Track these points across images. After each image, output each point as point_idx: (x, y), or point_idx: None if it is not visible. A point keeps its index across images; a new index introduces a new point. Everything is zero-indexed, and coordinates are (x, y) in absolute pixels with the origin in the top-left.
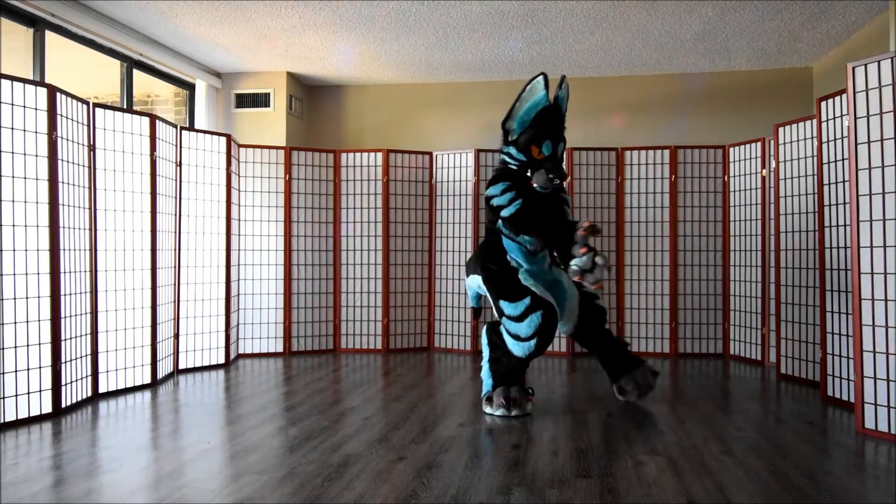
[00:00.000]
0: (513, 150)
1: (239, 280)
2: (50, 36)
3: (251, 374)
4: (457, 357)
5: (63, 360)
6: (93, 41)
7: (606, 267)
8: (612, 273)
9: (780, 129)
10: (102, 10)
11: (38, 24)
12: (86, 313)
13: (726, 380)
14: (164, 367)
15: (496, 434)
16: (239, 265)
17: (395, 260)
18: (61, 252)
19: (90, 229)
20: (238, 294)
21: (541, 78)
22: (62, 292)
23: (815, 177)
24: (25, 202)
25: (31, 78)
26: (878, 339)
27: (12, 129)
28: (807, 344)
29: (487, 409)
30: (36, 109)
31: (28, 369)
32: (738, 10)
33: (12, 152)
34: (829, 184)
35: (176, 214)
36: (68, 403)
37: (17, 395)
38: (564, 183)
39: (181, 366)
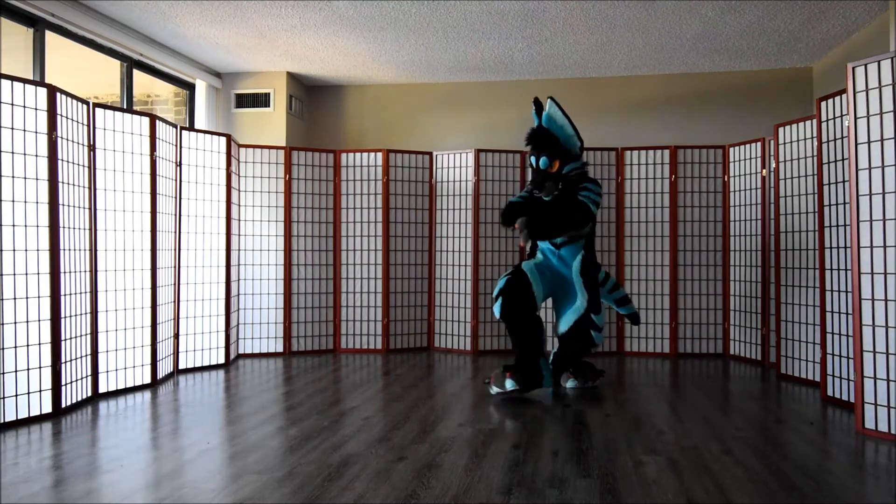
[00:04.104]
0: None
1: (239, 280)
2: (50, 36)
3: (251, 374)
4: (457, 357)
5: (63, 360)
6: (93, 41)
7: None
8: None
9: (780, 129)
10: (102, 10)
11: (38, 24)
12: (86, 313)
13: (726, 380)
14: (164, 367)
15: (496, 434)
16: (239, 265)
17: (395, 260)
18: (61, 252)
19: (90, 229)
20: (238, 294)
21: (532, 104)
22: (62, 292)
23: (815, 177)
24: (25, 202)
25: (31, 78)
26: (878, 339)
27: (12, 129)
28: (807, 344)
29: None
30: (36, 109)
31: (28, 369)
32: (738, 10)
33: (12, 152)
34: (829, 184)
35: (176, 214)
36: (68, 403)
37: (17, 395)
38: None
39: (181, 366)
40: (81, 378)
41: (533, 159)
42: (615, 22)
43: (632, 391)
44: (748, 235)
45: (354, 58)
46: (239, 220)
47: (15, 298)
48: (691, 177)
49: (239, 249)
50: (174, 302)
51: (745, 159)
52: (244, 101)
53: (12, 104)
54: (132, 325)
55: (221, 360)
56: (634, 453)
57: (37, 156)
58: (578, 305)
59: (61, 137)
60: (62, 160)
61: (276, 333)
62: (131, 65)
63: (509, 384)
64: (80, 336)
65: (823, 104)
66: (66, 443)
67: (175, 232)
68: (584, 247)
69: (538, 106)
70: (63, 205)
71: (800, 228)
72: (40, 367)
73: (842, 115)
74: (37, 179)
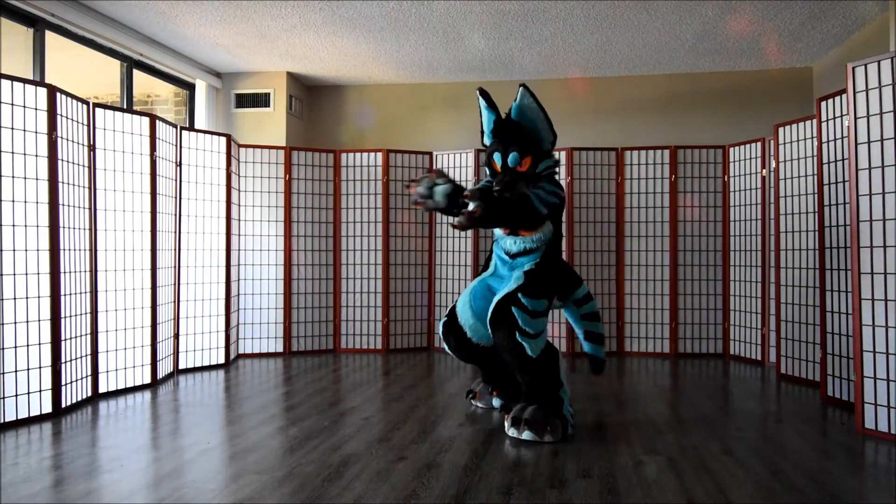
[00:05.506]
0: (487, 169)
1: (239, 280)
2: (50, 36)
3: (251, 374)
4: None
5: (63, 360)
6: (93, 41)
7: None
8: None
9: (780, 129)
10: (102, 10)
11: (38, 24)
12: (86, 313)
13: (726, 380)
14: (164, 367)
15: (496, 434)
16: (239, 265)
17: (395, 260)
18: (61, 252)
19: (90, 229)
20: (238, 294)
21: (478, 94)
22: (62, 292)
23: (815, 177)
24: (25, 202)
25: (31, 78)
26: (878, 339)
27: (12, 129)
28: (807, 344)
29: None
30: (36, 109)
31: (28, 369)
32: (738, 10)
33: (12, 152)
34: (829, 184)
35: (176, 214)
36: (68, 403)
37: (17, 395)
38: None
39: (181, 366)
40: (81, 378)
41: (498, 156)
42: (615, 22)
43: (632, 391)
44: (748, 235)
45: (354, 58)
46: (239, 220)
47: (15, 298)
48: (691, 177)
49: (239, 249)
50: (174, 302)
51: (745, 159)
52: (244, 101)
53: (12, 104)
54: (132, 325)
55: (221, 360)
56: (634, 453)
57: (37, 156)
58: (506, 287)
59: (61, 137)
60: (62, 160)
61: (276, 333)
62: (131, 65)
63: (549, 437)
64: (80, 336)
65: (823, 104)
66: (66, 443)
67: (175, 232)
68: (543, 256)
69: (486, 97)
70: (63, 205)
71: (800, 228)
72: (40, 367)
73: (842, 115)
74: (37, 179)
